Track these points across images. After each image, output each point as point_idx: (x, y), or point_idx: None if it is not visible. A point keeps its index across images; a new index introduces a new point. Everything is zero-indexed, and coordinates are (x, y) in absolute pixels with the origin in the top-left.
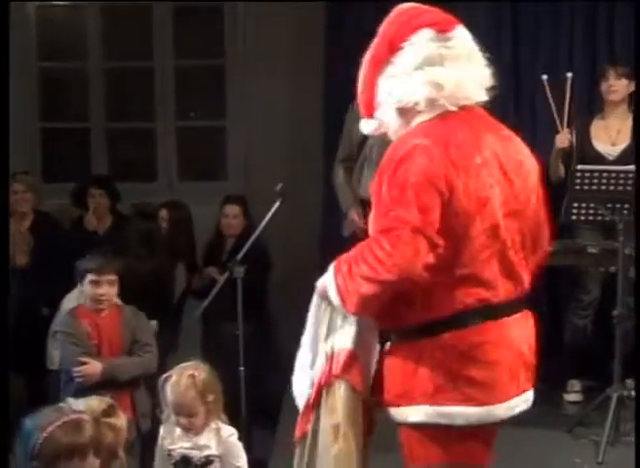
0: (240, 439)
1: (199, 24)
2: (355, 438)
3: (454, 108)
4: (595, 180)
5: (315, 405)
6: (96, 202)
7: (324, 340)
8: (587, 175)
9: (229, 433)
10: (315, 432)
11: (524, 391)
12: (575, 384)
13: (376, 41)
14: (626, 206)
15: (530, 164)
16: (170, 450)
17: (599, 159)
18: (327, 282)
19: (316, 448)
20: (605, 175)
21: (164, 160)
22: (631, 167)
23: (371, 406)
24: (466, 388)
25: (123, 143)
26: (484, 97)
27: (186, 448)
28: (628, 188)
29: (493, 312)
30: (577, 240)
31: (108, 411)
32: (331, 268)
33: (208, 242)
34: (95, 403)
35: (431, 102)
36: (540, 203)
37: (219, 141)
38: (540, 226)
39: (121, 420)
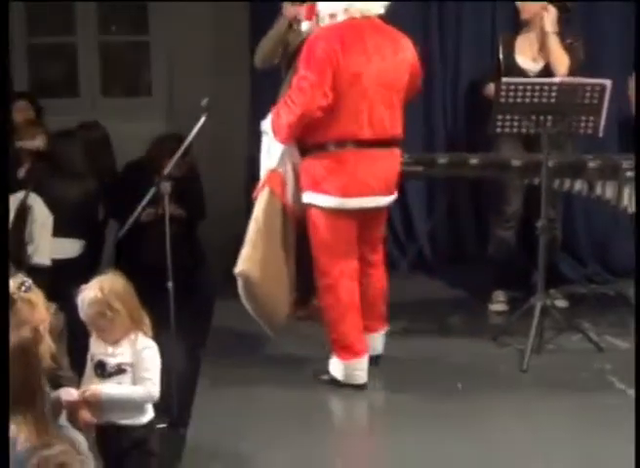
0: (164, 353)
1: None
2: (268, 224)
3: (358, 16)
4: (520, 93)
5: (255, 198)
6: (23, 115)
7: (265, 161)
8: (512, 87)
9: (143, 345)
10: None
11: (368, 196)
12: (499, 295)
13: None
14: (550, 118)
15: (403, 56)
16: (92, 354)
17: (521, 74)
18: (267, 120)
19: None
20: (529, 87)
21: (86, 76)
22: (556, 79)
23: (290, 211)
24: (331, 184)
25: (44, 59)
26: (381, 11)
27: (104, 355)
28: (552, 101)
29: (355, 144)
30: (499, 152)
31: (22, 288)
32: (269, 114)
33: (134, 162)
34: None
35: (344, 12)
36: (411, 77)
37: (141, 57)
38: (411, 91)
39: (36, 296)
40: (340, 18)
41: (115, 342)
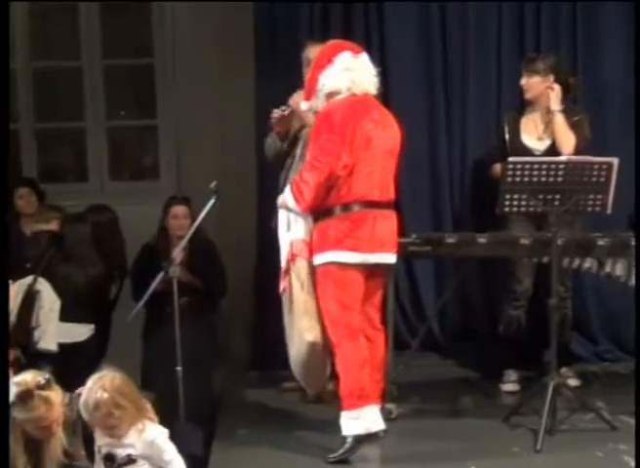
0: (176, 437)
1: (127, 23)
2: (311, 292)
3: (359, 93)
4: (527, 172)
5: (287, 271)
6: (25, 202)
7: (286, 234)
8: (519, 166)
9: (154, 434)
10: (291, 286)
11: (383, 252)
12: (511, 374)
13: (318, 56)
14: (557, 197)
15: (395, 127)
16: (99, 447)
17: (527, 153)
18: (285, 194)
19: (292, 296)
20: (536, 166)
21: (95, 160)
22: (562, 158)
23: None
24: (353, 241)
25: (53, 144)
26: (375, 91)
27: (111, 446)
28: (559, 179)
29: (369, 205)
30: (509, 232)
31: (43, 385)
32: (287, 188)
33: (149, 244)
34: (29, 376)
35: (347, 90)
36: (400, 147)
37: (149, 140)
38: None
39: (55, 394)
40: (342, 95)
41: (121, 435)
